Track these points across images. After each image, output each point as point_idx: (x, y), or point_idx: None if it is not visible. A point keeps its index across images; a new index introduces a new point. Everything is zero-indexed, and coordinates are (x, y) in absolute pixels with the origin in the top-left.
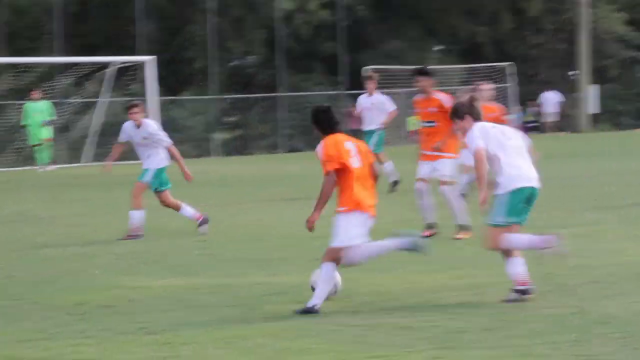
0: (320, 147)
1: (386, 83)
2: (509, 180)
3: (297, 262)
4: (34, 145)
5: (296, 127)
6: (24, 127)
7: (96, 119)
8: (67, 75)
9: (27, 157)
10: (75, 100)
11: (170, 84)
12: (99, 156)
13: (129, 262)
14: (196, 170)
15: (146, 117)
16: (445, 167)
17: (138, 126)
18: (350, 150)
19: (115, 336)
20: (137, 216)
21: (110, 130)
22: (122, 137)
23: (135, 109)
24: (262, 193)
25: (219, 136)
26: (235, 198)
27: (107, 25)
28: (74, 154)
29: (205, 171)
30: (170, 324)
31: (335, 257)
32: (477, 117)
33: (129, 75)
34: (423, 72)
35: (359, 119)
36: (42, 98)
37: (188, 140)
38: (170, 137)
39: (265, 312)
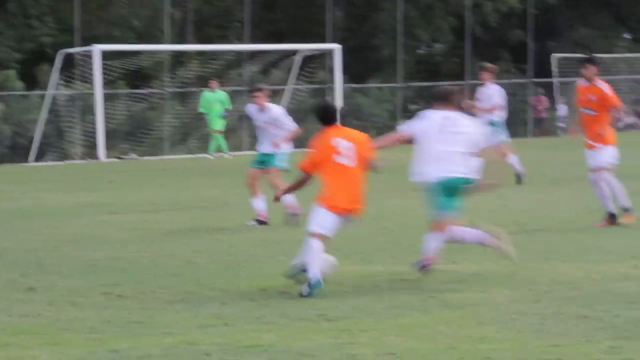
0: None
1: (571, 71)
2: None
3: (476, 250)
4: (213, 132)
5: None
6: (201, 115)
7: (283, 106)
8: (254, 63)
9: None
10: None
11: (356, 71)
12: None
13: None
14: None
15: (270, 101)
16: (599, 156)
17: (261, 109)
18: (337, 146)
19: (294, 322)
20: (289, 199)
21: (296, 117)
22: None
23: (259, 93)
24: None
25: None
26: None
27: (296, 13)
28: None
29: (389, 158)
30: (349, 311)
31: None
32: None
33: (315, 63)
34: (590, 61)
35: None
36: (219, 88)
37: (372, 127)
38: (355, 124)
39: (445, 300)
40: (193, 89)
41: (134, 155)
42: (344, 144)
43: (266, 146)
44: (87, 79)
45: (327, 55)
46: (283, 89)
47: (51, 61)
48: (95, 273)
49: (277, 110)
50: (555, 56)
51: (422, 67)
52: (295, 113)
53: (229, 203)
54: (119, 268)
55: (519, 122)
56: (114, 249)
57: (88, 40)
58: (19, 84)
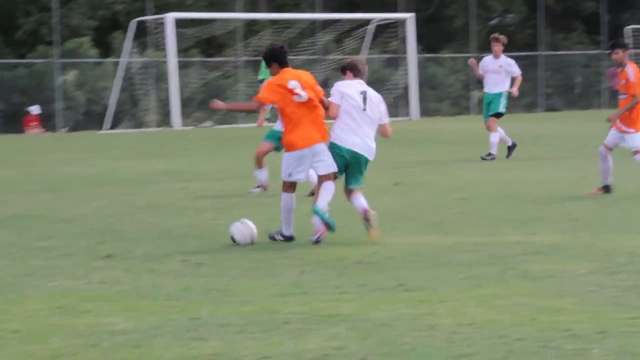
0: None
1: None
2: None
3: (554, 222)
4: None
5: (555, 86)
6: (261, 81)
7: None
8: (327, 32)
9: None
10: (335, 57)
11: (429, 41)
12: None
13: (389, 219)
14: (454, 129)
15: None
16: (634, 140)
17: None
18: (294, 88)
19: (372, 292)
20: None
21: (369, 86)
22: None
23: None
24: (521, 152)
25: (478, 94)
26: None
27: None
28: None
29: (463, 129)
30: (427, 281)
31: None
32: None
33: (389, 33)
34: (620, 45)
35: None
36: None
37: (446, 98)
38: (429, 94)
39: (523, 271)
40: None
41: (209, 123)
42: (296, 83)
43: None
44: (161, 47)
45: (400, 24)
46: None
47: (124, 29)
48: (172, 240)
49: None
50: (629, 28)
51: None
52: (369, 82)
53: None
54: (196, 235)
55: (593, 93)
56: (189, 216)
57: (160, 8)
58: (93, 51)
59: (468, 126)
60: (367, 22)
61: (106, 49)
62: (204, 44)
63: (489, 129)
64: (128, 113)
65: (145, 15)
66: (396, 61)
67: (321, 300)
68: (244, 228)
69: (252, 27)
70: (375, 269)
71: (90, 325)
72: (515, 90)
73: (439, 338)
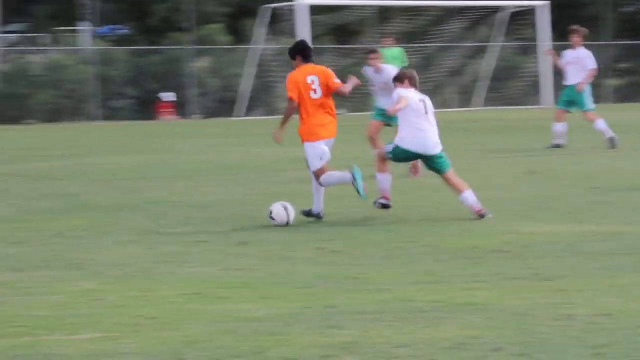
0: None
1: None
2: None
3: None
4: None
5: None
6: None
7: (487, 64)
8: (459, 20)
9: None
10: (467, 44)
11: (563, 29)
12: (490, 101)
13: (525, 207)
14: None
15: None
16: None
17: (377, 71)
18: (311, 84)
19: (508, 281)
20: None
21: (501, 75)
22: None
23: (374, 55)
24: None
25: (612, 82)
26: (628, 145)
27: None
28: (464, 98)
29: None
30: (563, 270)
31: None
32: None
33: (522, 20)
34: None
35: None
36: (395, 45)
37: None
38: (560, 83)
39: None
40: (399, 45)
41: (342, 111)
42: (314, 78)
43: (386, 103)
44: (293, 34)
45: (533, 13)
46: (488, 47)
47: (257, 15)
48: (308, 228)
49: (392, 71)
50: None
51: (628, 26)
52: (502, 70)
53: None
54: (331, 223)
55: None
56: (326, 203)
57: None
58: (226, 38)
59: (602, 115)
60: (499, 9)
61: (239, 36)
62: (337, 31)
63: (557, 119)
64: (261, 100)
65: (278, 2)
66: (530, 49)
67: (457, 289)
68: (284, 212)
69: (384, 14)
70: (510, 258)
71: (226, 312)
72: (582, 84)
73: (576, 328)
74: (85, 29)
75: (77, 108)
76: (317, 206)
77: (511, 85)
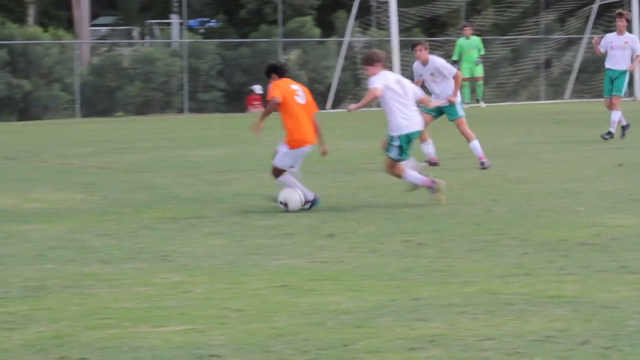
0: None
1: None
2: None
3: None
4: (464, 80)
5: None
6: (455, 62)
7: (578, 56)
8: (550, 11)
9: (509, 92)
10: (559, 36)
11: None
12: (579, 93)
13: (613, 200)
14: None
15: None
16: None
17: (424, 63)
18: (295, 90)
19: (596, 274)
20: (474, 145)
21: (591, 67)
22: (416, 75)
23: (419, 47)
24: None
25: None
26: None
27: None
28: (555, 90)
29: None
30: None
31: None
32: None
33: (613, 12)
34: None
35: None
36: (473, 34)
37: None
38: None
39: None
40: (489, 37)
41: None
42: (298, 87)
43: (442, 90)
44: (383, 26)
45: (626, 3)
46: (579, 39)
47: (346, 8)
48: (394, 220)
49: (439, 60)
50: None
51: None
52: (593, 63)
53: (524, 152)
54: (417, 216)
55: None
56: (411, 196)
57: None
58: (316, 30)
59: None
60: (591, 1)
61: (328, 28)
62: (427, 23)
63: (613, 107)
64: (350, 92)
65: None
66: None
67: (544, 281)
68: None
69: (474, 6)
70: (598, 250)
71: (313, 304)
72: (633, 66)
73: None
74: (175, 21)
75: (166, 101)
76: (308, 194)
77: (601, 78)
